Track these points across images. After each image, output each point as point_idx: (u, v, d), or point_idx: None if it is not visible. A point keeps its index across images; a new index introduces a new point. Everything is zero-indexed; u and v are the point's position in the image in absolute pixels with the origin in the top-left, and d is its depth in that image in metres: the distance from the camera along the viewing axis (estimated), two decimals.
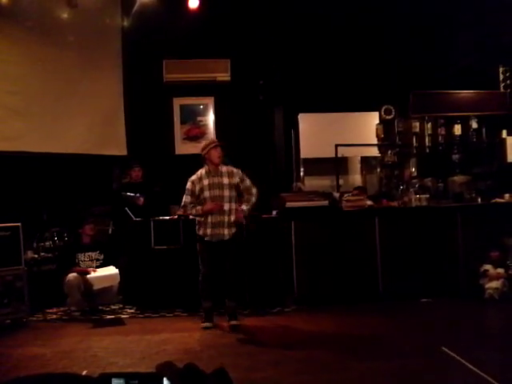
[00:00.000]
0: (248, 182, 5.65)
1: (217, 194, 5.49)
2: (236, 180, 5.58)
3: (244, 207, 5.59)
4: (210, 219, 5.48)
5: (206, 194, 5.51)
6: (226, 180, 5.55)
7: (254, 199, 5.62)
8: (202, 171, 5.59)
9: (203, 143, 5.89)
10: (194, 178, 5.59)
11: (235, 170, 5.63)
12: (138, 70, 8.40)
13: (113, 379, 1.00)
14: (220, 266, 5.51)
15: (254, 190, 5.64)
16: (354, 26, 8.45)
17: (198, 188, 5.52)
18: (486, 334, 5.10)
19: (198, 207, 5.50)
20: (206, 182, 5.53)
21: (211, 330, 5.39)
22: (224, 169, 5.61)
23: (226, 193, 5.52)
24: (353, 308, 6.12)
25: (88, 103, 7.96)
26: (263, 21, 8.40)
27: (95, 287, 6.21)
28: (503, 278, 6.30)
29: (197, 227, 5.59)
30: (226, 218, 5.49)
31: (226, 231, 5.49)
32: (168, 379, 0.99)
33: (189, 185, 5.58)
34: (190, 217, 5.97)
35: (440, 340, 4.55)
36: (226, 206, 5.50)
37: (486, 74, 8.09)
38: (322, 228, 6.54)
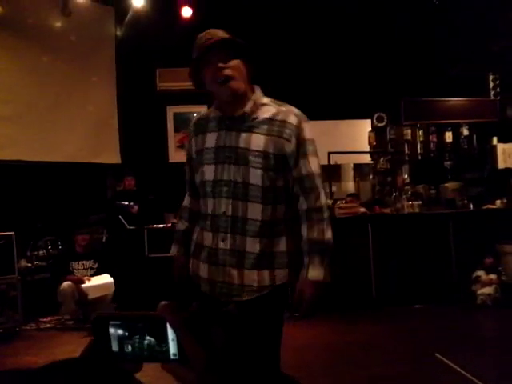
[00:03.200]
0: (315, 163, 2.27)
1: (230, 176, 2.20)
2: (291, 147, 2.24)
3: (316, 272, 2.28)
4: (207, 241, 2.31)
5: (208, 171, 2.25)
6: (257, 141, 2.20)
7: (327, 236, 2.25)
8: (208, 114, 2.42)
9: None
10: (194, 121, 2.47)
11: (294, 121, 2.28)
12: (131, 78, 8.42)
13: (110, 322, 0.95)
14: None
15: (323, 195, 2.27)
16: (346, 34, 8.51)
17: (195, 148, 2.36)
18: (480, 341, 5.14)
19: (177, 245, 2.50)
20: (211, 138, 2.29)
21: None
22: (268, 111, 2.30)
23: (253, 178, 2.18)
24: (346, 314, 6.14)
25: (81, 112, 7.97)
26: (256, 30, 8.43)
27: (90, 296, 6.20)
28: (495, 284, 6.34)
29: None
30: (251, 244, 2.19)
31: (250, 276, 2.21)
32: (170, 323, 0.93)
33: (186, 146, 2.53)
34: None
35: (434, 346, 4.58)
36: (256, 212, 2.18)
37: (476, 81, 8.17)
38: None
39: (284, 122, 2.24)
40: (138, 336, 0.93)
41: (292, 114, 2.29)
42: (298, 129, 2.25)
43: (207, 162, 2.25)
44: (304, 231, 2.23)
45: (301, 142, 2.23)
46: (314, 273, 2.24)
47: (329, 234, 2.24)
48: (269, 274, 2.20)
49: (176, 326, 0.92)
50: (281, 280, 2.22)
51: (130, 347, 0.94)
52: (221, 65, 2.19)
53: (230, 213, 2.16)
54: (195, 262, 2.32)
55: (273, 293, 2.21)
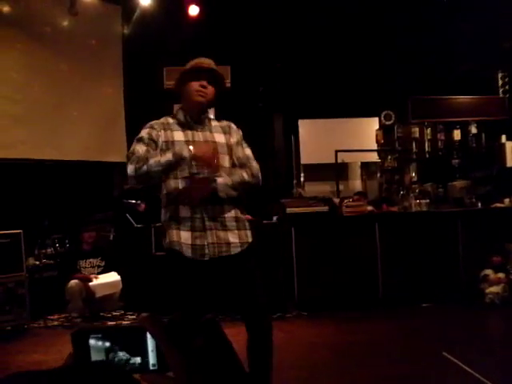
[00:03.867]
0: (249, 150, 3.11)
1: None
2: (234, 140, 3.09)
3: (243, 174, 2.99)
4: (185, 212, 2.88)
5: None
6: (218, 137, 3.04)
7: (247, 176, 2.97)
8: (172, 117, 3.07)
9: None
10: (155, 121, 3.05)
11: (233, 125, 3.17)
12: (138, 76, 8.43)
13: (91, 335, 0.97)
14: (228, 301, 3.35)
15: (255, 165, 3.06)
16: (354, 33, 8.49)
17: (162, 139, 2.96)
18: (488, 339, 5.11)
19: (168, 154, 2.87)
20: (178, 135, 2.96)
21: None
22: (215, 122, 3.16)
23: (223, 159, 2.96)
24: (353, 313, 6.12)
25: (89, 110, 7.99)
26: (263, 28, 8.44)
27: (97, 295, 6.23)
28: (504, 283, 6.29)
29: (167, 236, 3.04)
30: (229, 214, 2.92)
31: (231, 237, 2.86)
32: (151, 333, 0.96)
33: (145, 131, 2.97)
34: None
35: (441, 345, 4.55)
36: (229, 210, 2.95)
37: (484, 79, 8.13)
38: (323, 233, 6.55)
39: (230, 126, 3.18)
40: (118, 347, 0.95)
41: (232, 123, 3.23)
42: (239, 132, 3.19)
43: (174, 148, 2.92)
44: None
45: (241, 139, 3.16)
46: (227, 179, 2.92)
47: (246, 178, 2.98)
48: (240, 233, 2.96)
49: (157, 336, 0.94)
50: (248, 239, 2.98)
51: (110, 359, 0.97)
52: (205, 84, 3.00)
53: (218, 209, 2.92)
54: (174, 232, 2.89)
55: (249, 246, 2.97)
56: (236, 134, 3.14)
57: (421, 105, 7.96)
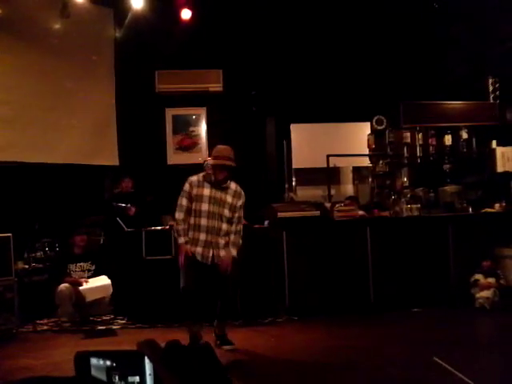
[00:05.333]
0: (242, 212, 4.95)
1: (216, 210, 4.77)
2: (239, 203, 4.89)
3: (233, 252, 4.83)
4: (202, 236, 4.77)
5: (204, 207, 4.76)
6: (230, 198, 4.84)
7: (239, 240, 4.92)
8: (205, 176, 4.88)
9: (214, 150, 4.98)
10: (193, 178, 4.83)
11: (243, 194, 4.93)
12: (130, 80, 8.41)
13: (91, 358, 1.01)
14: (210, 288, 4.85)
15: (240, 227, 4.93)
16: (346, 37, 8.51)
17: (194, 192, 4.78)
18: (478, 344, 5.13)
19: (183, 244, 4.78)
20: (207, 191, 4.78)
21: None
22: (233, 186, 4.91)
23: (226, 213, 4.82)
24: (344, 318, 6.12)
25: (80, 113, 7.97)
26: (256, 32, 8.45)
27: (88, 299, 6.17)
28: (494, 288, 6.32)
29: (179, 239, 4.87)
30: (223, 240, 4.83)
31: (222, 253, 4.81)
32: (149, 358, 0.98)
33: (186, 186, 4.81)
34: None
35: (432, 350, 4.54)
36: (224, 227, 4.82)
37: (475, 84, 8.16)
38: (314, 238, 6.55)
39: (240, 193, 4.93)
40: (117, 371, 1.01)
41: (242, 190, 4.96)
42: (243, 197, 4.95)
43: (204, 201, 4.79)
44: (232, 237, 4.91)
45: (242, 204, 4.95)
46: (234, 253, 4.88)
47: (240, 242, 4.95)
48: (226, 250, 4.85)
49: (154, 361, 0.99)
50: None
51: (110, 381, 1.02)
52: (223, 174, 4.80)
53: (216, 226, 4.83)
54: (193, 247, 4.80)
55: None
56: (241, 199, 4.92)
57: (412, 110, 7.97)
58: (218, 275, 4.77)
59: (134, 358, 0.99)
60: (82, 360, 1.02)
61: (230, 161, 4.81)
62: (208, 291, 4.86)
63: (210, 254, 4.77)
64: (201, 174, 4.93)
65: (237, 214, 4.88)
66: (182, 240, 4.79)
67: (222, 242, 4.81)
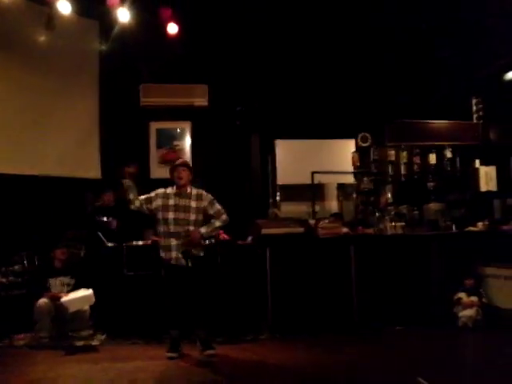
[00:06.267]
0: (218, 206, 5.47)
1: (182, 216, 5.32)
2: (204, 204, 5.40)
3: (202, 229, 5.34)
4: (173, 241, 5.28)
5: (171, 215, 5.31)
6: (193, 203, 5.37)
7: (218, 223, 5.45)
8: (170, 189, 5.45)
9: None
10: (160, 190, 5.45)
11: (205, 194, 5.46)
12: (114, 93, 8.34)
13: None
14: (186, 293, 5.29)
15: (224, 216, 5.47)
16: (331, 55, 8.56)
17: (158, 203, 5.36)
18: (461, 364, 5.10)
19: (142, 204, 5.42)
20: (171, 201, 5.35)
21: (184, 358, 5.27)
22: (194, 191, 5.45)
23: (193, 216, 5.34)
24: (327, 336, 6.06)
25: (63, 126, 7.88)
26: (242, 47, 8.46)
27: (71, 310, 6.03)
28: (476, 306, 6.32)
29: (160, 250, 5.40)
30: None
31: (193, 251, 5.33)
32: None
33: (152, 193, 5.45)
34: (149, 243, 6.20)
35: (415, 371, 4.52)
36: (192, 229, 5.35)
37: (460, 104, 8.24)
38: (298, 255, 6.50)
39: (202, 194, 5.43)
40: None
41: (204, 192, 5.46)
42: (208, 196, 5.45)
43: (169, 210, 5.34)
44: (210, 223, 5.42)
45: (211, 202, 5.45)
46: (203, 230, 5.35)
47: (217, 225, 5.46)
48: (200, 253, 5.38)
49: None
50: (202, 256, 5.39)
51: None
52: (181, 172, 5.41)
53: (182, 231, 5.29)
54: (167, 251, 5.32)
55: (201, 260, 5.37)
56: (206, 200, 5.41)
57: (397, 128, 8.02)
58: (193, 277, 5.26)
59: None
60: None
61: (187, 165, 5.57)
62: (187, 298, 5.29)
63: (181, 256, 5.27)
64: (169, 188, 5.47)
65: (211, 211, 5.42)
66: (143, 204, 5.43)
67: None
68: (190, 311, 5.35)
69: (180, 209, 5.32)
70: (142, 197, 5.44)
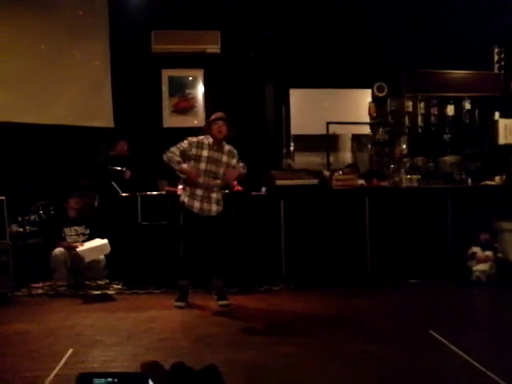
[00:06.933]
0: (241, 163, 5.50)
1: (213, 169, 5.29)
2: (233, 161, 5.40)
3: (240, 169, 5.42)
4: (199, 192, 5.26)
5: (202, 165, 5.26)
6: (225, 158, 5.35)
7: (244, 170, 5.49)
8: (204, 139, 5.35)
9: (212, 115, 5.56)
10: (193, 139, 5.34)
11: (235, 151, 5.45)
12: (125, 40, 8.16)
13: (94, 379, 0.97)
14: (205, 243, 5.33)
15: (244, 168, 5.51)
16: (348, 3, 8.26)
17: (193, 152, 5.27)
18: (473, 317, 5.16)
19: (184, 165, 5.23)
20: (205, 152, 5.29)
21: (199, 307, 5.35)
22: (227, 147, 5.41)
23: (222, 170, 5.34)
24: (341, 288, 6.11)
25: (74, 74, 7.75)
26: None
27: (87, 259, 6.10)
28: (491, 261, 6.32)
29: (181, 197, 5.38)
30: (215, 195, 5.33)
31: (214, 207, 5.32)
32: (153, 381, 0.95)
33: (185, 143, 5.30)
34: (178, 192, 5.80)
35: (428, 323, 4.56)
36: (218, 183, 5.35)
37: (480, 54, 7.99)
38: (312, 207, 6.49)
39: (233, 152, 5.43)
40: None
41: (234, 150, 5.46)
42: (237, 155, 5.44)
43: (202, 161, 5.28)
44: (240, 168, 5.43)
45: (238, 160, 5.46)
46: (241, 170, 5.44)
47: (245, 171, 5.50)
48: (220, 207, 5.37)
49: (159, 383, 0.97)
50: (222, 209, 5.39)
51: None
52: (222, 126, 5.33)
53: (211, 183, 5.31)
54: (190, 199, 5.28)
55: (221, 213, 5.38)
56: (235, 157, 5.44)
57: (415, 78, 7.81)
58: (213, 228, 5.32)
59: (138, 380, 0.96)
60: (85, 381, 0.97)
61: (227, 121, 5.42)
62: (205, 251, 5.39)
63: (205, 207, 5.28)
64: (200, 137, 5.37)
65: (240, 164, 5.49)
66: (182, 165, 5.24)
67: (215, 196, 5.33)
68: (208, 261, 5.41)
69: (212, 161, 5.29)
70: (177, 152, 5.26)
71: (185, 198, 5.32)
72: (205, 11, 8.32)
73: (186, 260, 5.36)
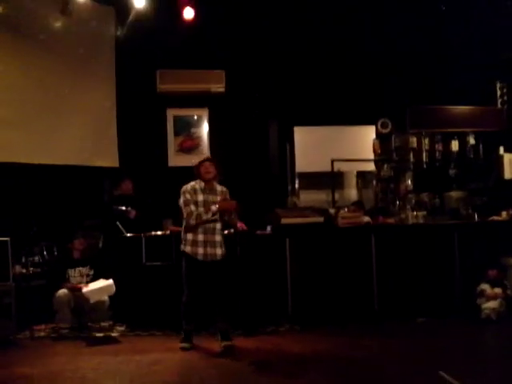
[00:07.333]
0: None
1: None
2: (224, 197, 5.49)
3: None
4: (200, 237, 5.26)
5: (200, 210, 5.27)
6: (220, 199, 5.38)
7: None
8: (196, 185, 5.39)
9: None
10: (188, 188, 5.36)
11: (226, 189, 5.52)
12: (131, 79, 8.25)
13: None
14: (209, 288, 5.30)
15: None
16: (351, 40, 8.36)
17: (193, 198, 5.32)
18: (485, 357, 5.02)
19: (213, 207, 5.25)
20: (200, 197, 5.32)
21: (203, 350, 5.26)
22: (219, 187, 5.48)
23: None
24: (348, 328, 6.01)
25: (80, 113, 7.82)
26: (259, 33, 8.30)
27: (92, 300, 6.02)
28: (500, 298, 6.20)
29: (182, 244, 5.36)
30: (218, 238, 5.34)
31: (219, 251, 5.33)
32: None
33: (186, 194, 5.31)
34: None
35: (437, 363, 4.45)
36: (218, 226, 5.37)
37: (483, 89, 8.03)
38: (318, 245, 6.43)
39: (225, 191, 5.47)
40: None
41: (224, 188, 5.50)
42: (228, 193, 5.49)
43: (199, 206, 5.28)
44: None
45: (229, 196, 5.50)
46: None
47: None
48: (223, 249, 5.39)
49: None
50: (225, 251, 5.41)
51: None
52: (209, 166, 5.39)
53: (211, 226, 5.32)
54: (193, 247, 5.26)
55: (225, 255, 5.40)
56: (226, 195, 5.47)
57: (419, 114, 7.85)
58: (218, 273, 5.31)
59: None
60: None
61: (214, 161, 5.52)
62: (209, 295, 5.35)
63: (210, 252, 5.26)
64: (192, 183, 5.44)
65: None
66: (212, 207, 5.27)
67: (218, 239, 5.34)
68: (212, 304, 5.36)
69: (209, 204, 5.29)
70: (193, 207, 5.27)
71: (186, 248, 5.31)
72: (209, 51, 8.44)
73: (190, 306, 5.34)
